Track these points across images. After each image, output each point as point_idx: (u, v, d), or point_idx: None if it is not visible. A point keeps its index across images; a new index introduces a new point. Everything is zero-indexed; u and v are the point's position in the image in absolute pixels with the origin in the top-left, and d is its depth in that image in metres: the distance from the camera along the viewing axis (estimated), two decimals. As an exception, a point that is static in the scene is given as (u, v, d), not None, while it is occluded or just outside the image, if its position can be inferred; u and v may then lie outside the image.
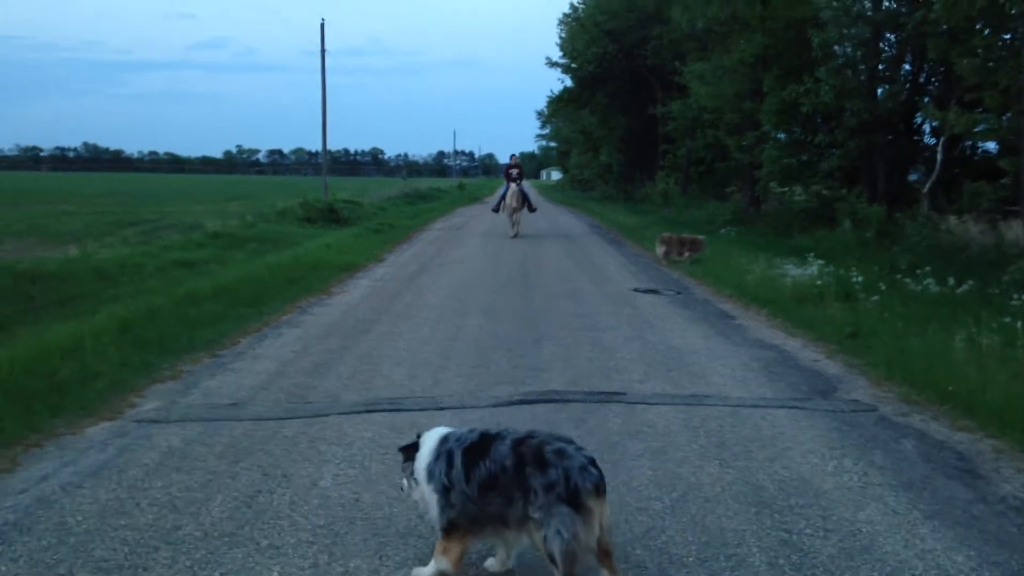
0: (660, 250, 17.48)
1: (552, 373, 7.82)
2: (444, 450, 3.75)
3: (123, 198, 48.36)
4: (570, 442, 3.63)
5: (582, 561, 3.44)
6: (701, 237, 17.78)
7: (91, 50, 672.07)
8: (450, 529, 3.68)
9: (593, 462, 3.53)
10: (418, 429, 4.10)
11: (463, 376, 7.69)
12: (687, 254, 16.97)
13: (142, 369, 7.67)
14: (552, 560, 3.39)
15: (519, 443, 3.58)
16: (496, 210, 25.64)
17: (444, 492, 3.68)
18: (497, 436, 3.69)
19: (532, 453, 3.51)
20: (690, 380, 7.64)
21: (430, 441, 3.86)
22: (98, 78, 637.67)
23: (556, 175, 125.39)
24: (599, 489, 3.45)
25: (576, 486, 3.39)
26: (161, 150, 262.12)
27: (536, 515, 3.42)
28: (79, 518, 4.47)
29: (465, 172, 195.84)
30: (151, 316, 9.61)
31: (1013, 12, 13.05)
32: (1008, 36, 15.45)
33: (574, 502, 3.37)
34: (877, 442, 5.90)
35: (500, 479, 3.54)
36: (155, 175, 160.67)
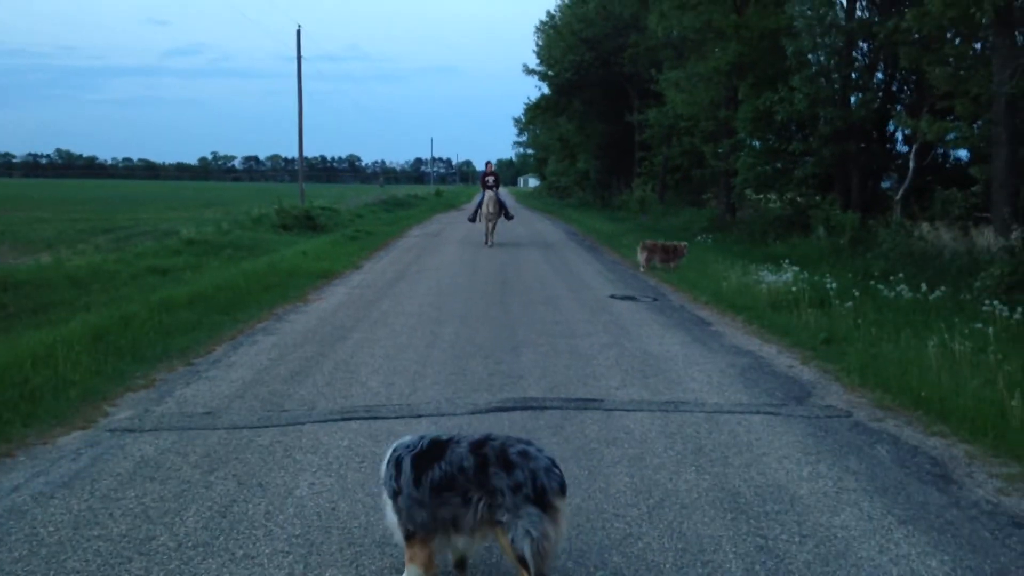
0: (642, 257, 17.49)
1: (530, 380, 7.82)
2: (393, 458, 3.79)
3: (97, 205, 47.98)
4: (530, 444, 3.66)
5: (551, 560, 3.45)
6: (683, 244, 17.81)
7: (64, 56, 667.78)
8: (408, 535, 3.71)
9: (555, 463, 3.57)
10: (395, 437, 4.09)
11: (440, 383, 7.68)
12: (671, 263, 17.00)
13: (115, 377, 7.59)
14: (522, 562, 3.40)
15: (479, 445, 3.61)
16: (473, 219, 25.23)
17: (393, 498, 3.72)
18: (450, 440, 3.72)
19: (496, 454, 3.54)
20: (667, 386, 7.66)
21: (387, 452, 3.91)
22: (72, 84, 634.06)
23: (533, 182, 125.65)
24: (563, 489, 3.51)
25: (543, 486, 3.43)
26: (135, 156, 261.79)
27: (503, 518, 3.44)
28: (51, 529, 4.42)
29: (443, 179, 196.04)
30: (125, 324, 9.51)
31: (984, 22, 13.23)
32: (978, 45, 15.68)
33: (541, 502, 3.41)
34: (852, 448, 5.95)
35: (458, 480, 3.55)
36: (129, 181, 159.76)
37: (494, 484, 3.47)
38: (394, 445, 3.89)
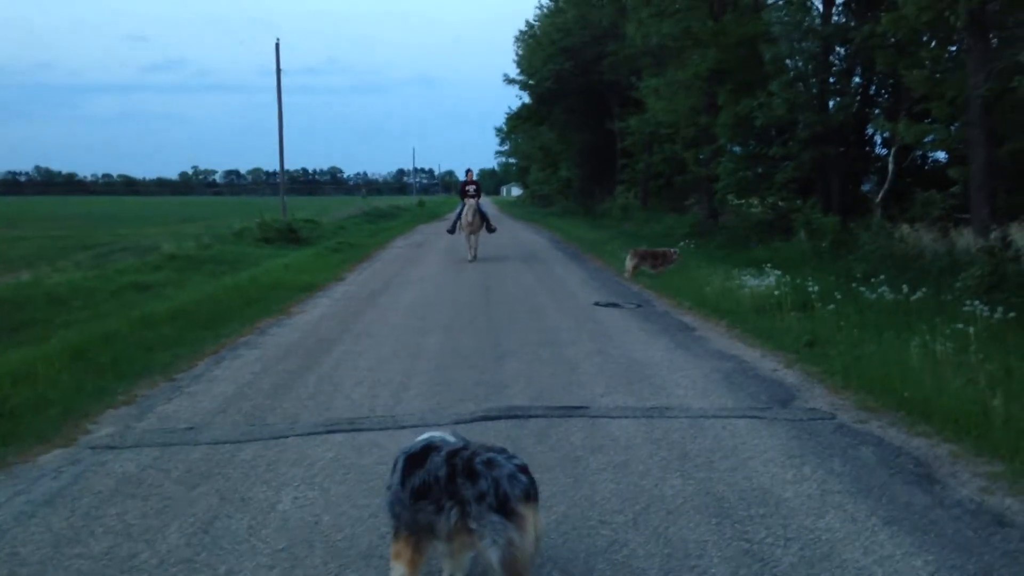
0: (630, 264, 17.48)
1: (514, 389, 7.81)
2: (397, 454, 3.90)
3: (77, 221, 47.62)
4: (502, 451, 3.66)
5: (526, 569, 3.43)
6: (674, 251, 17.83)
7: (42, 73, 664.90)
8: (395, 531, 3.78)
9: (524, 469, 3.56)
10: (378, 449, 4.08)
11: (425, 394, 7.65)
12: (660, 268, 17.02)
13: (96, 394, 7.52)
14: (495, 570, 3.40)
15: (452, 455, 3.65)
16: (452, 231, 23.35)
17: (386, 492, 3.86)
18: (436, 447, 3.77)
19: (463, 465, 3.56)
20: (652, 392, 7.66)
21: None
22: (50, 101, 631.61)
23: (516, 191, 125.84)
24: (529, 495, 3.48)
25: (505, 494, 3.41)
26: (115, 172, 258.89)
27: (473, 526, 3.46)
28: (31, 548, 4.37)
29: (425, 189, 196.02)
30: (105, 340, 9.45)
31: (958, 25, 13.35)
32: (954, 48, 15.82)
33: (504, 509, 3.39)
34: (836, 449, 5.96)
35: (433, 489, 3.60)
36: (109, 198, 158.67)
37: (462, 494, 3.49)
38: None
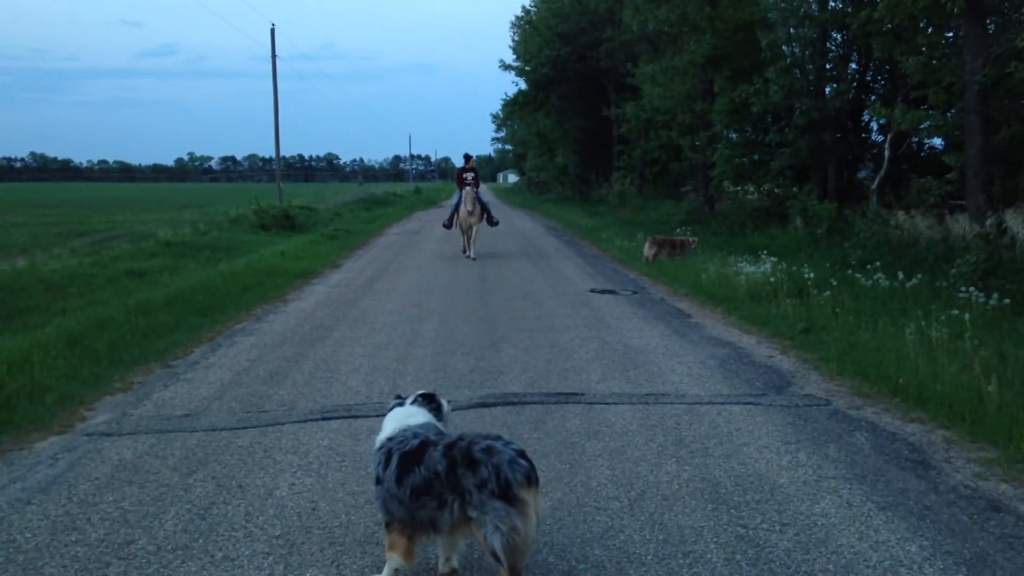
0: (650, 251, 17.45)
1: (510, 375, 7.82)
2: (387, 447, 3.84)
3: (72, 208, 47.51)
4: (498, 439, 3.65)
5: (525, 554, 3.44)
6: (693, 239, 17.88)
7: (37, 58, 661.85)
8: (387, 524, 3.79)
9: (523, 454, 3.56)
10: (376, 436, 4.06)
11: (421, 381, 7.64)
12: (677, 255, 17.02)
13: (92, 382, 7.53)
14: (495, 557, 3.40)
15: (449, 447, 3.63)
16: (448, 225, 20.69)
17: (376, 483, 3.82)
18: (432, 443, 3.72)
19: (462, 454, 3.55)
20: (647, 379, 7.68)
21: (388, 426, 3.99)
22: (45, 87, 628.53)
23: (512, 178, 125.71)
24: (530, 479, 3.48)
25: (507, 479, 3.42)
26: (111, 159, 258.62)
27: (474, 514, 3.46)
28: (28, 535, 4.38)
29: (422, 176, 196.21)
30: (101, 327, 9.43)
31: (955, 11, 13.30)
32: (951, 34, 15.77)
33: (506, 495, 3.40)
34: (831, 436, 5.98)
35: (434, 484, 3.58)
36: (105, 184, 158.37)
37: (463, 484, 3.48)
38: (390, 431, 3.92)
